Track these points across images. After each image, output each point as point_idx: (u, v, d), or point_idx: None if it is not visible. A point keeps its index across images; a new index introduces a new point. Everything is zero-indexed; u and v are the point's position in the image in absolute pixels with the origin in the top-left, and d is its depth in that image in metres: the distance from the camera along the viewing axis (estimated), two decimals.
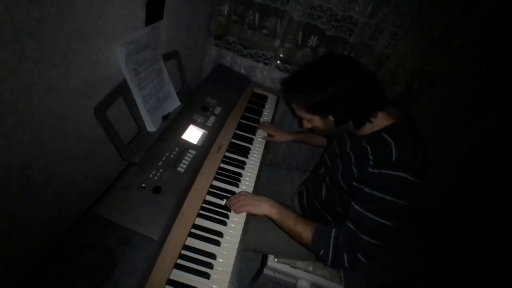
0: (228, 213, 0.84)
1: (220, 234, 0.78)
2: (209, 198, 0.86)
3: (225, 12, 1.34)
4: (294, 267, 1.01)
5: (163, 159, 0.83)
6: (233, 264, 0.74)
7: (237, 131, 1.12)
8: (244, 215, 0.85)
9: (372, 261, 0.71)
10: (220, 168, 0.96)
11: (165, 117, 0.95)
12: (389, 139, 0.70)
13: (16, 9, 0.45)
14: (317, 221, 0.80)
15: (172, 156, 0.86)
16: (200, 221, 0.79)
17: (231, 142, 1.06)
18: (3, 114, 0.50)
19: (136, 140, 0.85)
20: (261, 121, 1.25)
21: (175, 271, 0.67)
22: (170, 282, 0.65)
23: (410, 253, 1.84)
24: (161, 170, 0.80)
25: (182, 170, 0.84)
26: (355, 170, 0.76)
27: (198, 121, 1.02)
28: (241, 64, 1.51)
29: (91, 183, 0.86)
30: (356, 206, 0.71)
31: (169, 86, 0.98)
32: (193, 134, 0.96)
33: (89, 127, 0.74)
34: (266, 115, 1.30)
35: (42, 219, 0.73)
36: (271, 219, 0.82)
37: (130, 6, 0.74)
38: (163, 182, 0.78)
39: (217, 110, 1.11)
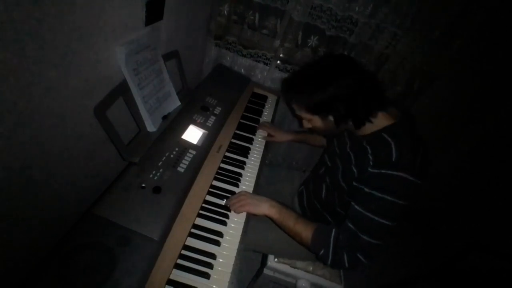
0: (228, 213, 0.84)
1: (220, 234, 0.78)
2: (209, 198, 0.86)
3: (225, 12, 1.34)
4: (294, 267, 1.01)
5: (163, 159, 0.83)
6: (233, 264, 0.74)
7: (237, 131, 1.12)
8: (244, 215, 0.85)
9: (372, 261, 0.71)
10: (220, 168, 0.96)
11: (165, 117, 0.95)
12: (389, 139, 0.70)
13: (16, 9, 0.45)
14: (317, 221, 0.80)
15: (172, 156, 0.86)
16: (200, 221, 0.79)
17: (231, 142, 1.06)
18: (3, 114, 0.50)
19: (136, 140, 0.85)
20: (261, 121, 1.25)
21: (175, 271, 0.67)
22: (170, 282, 0.65)
23: (410, 253, 1.85)
24: (161, 170, 0.80)
25: (182, 170, 0.84)
26: (355, 170, 0.76)
27: (198, 121, 1.02)
28: (241, 64, 1.51)
29: (91, 183, 0.86)
30: (356, 206, 0.71)
31: (169, 86, 0.98)
32: (193, 134, 0.96)
33: (89, 127, 0.74)
34: (266, 115, 1.30)
35: (42, 219, 0.73)
36: (271, 219, 0.82)
37: (130, 6, 0.74)
38: (163, 182, 0.78)
39: (217, 110, 1.11)
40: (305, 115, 0.78)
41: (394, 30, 1.29)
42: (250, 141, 1.12)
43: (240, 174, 0.97)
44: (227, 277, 0.70)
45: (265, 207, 0.81)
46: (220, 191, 0.90)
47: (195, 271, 0.69)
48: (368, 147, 0.73)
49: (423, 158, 0.68)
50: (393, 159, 0.66)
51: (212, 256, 0.73)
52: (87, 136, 0.76)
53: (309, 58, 1.43)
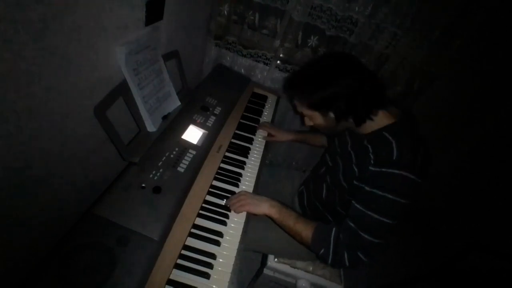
0: (228, 213, 0.84)
1: (220, 234, 0.78)
2: (209, 198, 0.86)
3: (225, 12, 1.34)
4: (294, 267, 1.01)
5: (163, 159, 0.83)
6: (233, 264, 0.74)
7: (237, 131, 1.12)
8: (244, 215, 0.85)
9: (373, 260, 0.71)
10: (220, 168, 0.96)
11: (165, 117, 0.95)
12: (390, 137, 0.70)
13: (16, 9, 0.45)
14: (317, 221, 0.80)
15: (172, 156, 0.86)
16: (200, 221, 0.79)
17: (231, 142, 1.06)
18: (3, 114, 0.50)
19: (136, 140, 0.85)
20: (261, 121, 1.25)
21: (175, 271, 0.67)
22: (170, 282, 0.65)
23: (410, 253, 1.84)
24: (161, 170, 0.80)
25: (182, 170, 0.84)
26: (356, 169, 0.77)
27: (198, 121, 1.02)
28: (241, 64, 1.51)
29: (91, 183, 0.86)
30: (356, 205, 0.71)
31: (169, 86, 0.98)
32: (193, 134, 0.96)
33: (89, 127, 0.74)
34: (266, 115, 1.30)
35: (42, 219, 0.73)
36: (271, 218, 0.82)
37: (130, 6, 0.74)
38: (163, 182, 0.78)
39: (217, 110, 1.11)
40: (306, 111, 0.79)
41: (394, 30, 1.29)
42: (250, 141, 1.12)
43: (240, 174, 0.97)
44: (227, 277, 0.70)
45: (265, 207, 0.81)
46: (220, 191, 0.90)
47: (195, 271, 0.69)
48: (369, 146, 0.73)
49: (424, 157, 0.68)
50: (394, 158, 0.66)
51: (212, 256, 0.73)
52: (87, 136, 0.76)
53: (309, 58, 1.43)
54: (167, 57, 0.97)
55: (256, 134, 1.17)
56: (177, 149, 0.88)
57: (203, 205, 0.83)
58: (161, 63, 0.93)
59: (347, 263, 0.71)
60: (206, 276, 0.69)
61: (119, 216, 0.67)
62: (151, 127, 0.89)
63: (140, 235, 0.65)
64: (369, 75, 0.72)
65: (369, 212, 0.68)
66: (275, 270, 1.03)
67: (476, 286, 1.60)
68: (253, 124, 1.20)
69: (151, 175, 0.78)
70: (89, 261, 0.59)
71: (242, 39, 1.43)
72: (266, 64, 1.50)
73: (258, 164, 1.05)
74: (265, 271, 1.04)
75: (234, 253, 0.76)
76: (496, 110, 1.55)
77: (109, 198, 0.70)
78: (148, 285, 0.61)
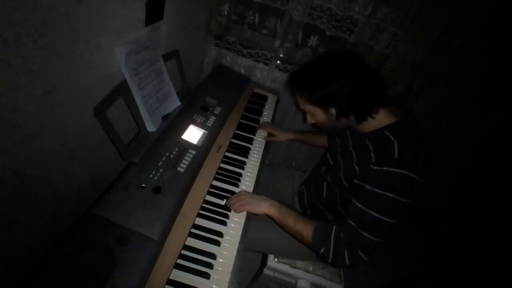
0: (228, 213, 0.84)
1: (220, 234, 0.78)
2: (209, 198, 0.86)
3: (225, 12, 1.34)
4: (294, 267, 1.01)
5: (163, 159, 0.83)
6: (233, 264, 0.74)
7: (237, 131, 1.12)
8: (244, 215, 0.85)
9: (373, 258, 0.71)
10: (220, 168, 0.96)
11: (165, 117, 0.95)
12: (391, 137, 0.70)
13: (17, 9, 0.45)
14: (317, 220, 0.80)
15: (172, 156, 0.86)
16: (200, 221, 0.79)
17: (231, 142, 1.06)
18: (3, 114, 0.50)
19: (136, 140, 0.85)
20: (261, 121, 1.25)
21: (175, 271, 0.67)
22: (170, 282, 0.65)
23: (410, 253, 1.84)
24: (161, 170, 0.80)
25: (182, 170, 0.84)
26: (356, 168, 0.77)
27: (198, 121, 1.02)
28: (241, 64, 1.51)
29: (91, 183, 0.86)
30: (357, 203, 0.71)
31: (169, 86, 0.98)
32: (193, 134, 0.96)
33: (89, 127, 0.74)
34: (266, 115, 1.30)
35: (42, 219, 0.73)
36: (271, 218, 0.82)
37: (130, 6, 0.74)
38: (163, 182, 0.78)
39: (217, 110, 1.11)
40: (308, 107, 0.79)
41: (394, 30, 1.29)
42: (250, 141, 1.12)
43: (240, 174, 0.97)
44: (227, 277, 0.70)
45: (265, 206, 0.81)
46: (220, 191, 0.90)
47: (195, 271, 0.69)
48: (370, 145, 0.73)
49: (425, 156, 0.68)
50: (395, 157, 0.66)
51: (212, 256, 0.73)
52: (87, 136, 0.76)
53: (309, 58, 1.44)
54: (167, 57, 0.97)
55: (256, 134, 1.17)
56: (177, 149, 0.88)
57: (203, 205, 0.83)
58: (161, 63, 0.93)
59: (347, 262, 0.71)
60: (206, 276, 0.69)
61: (119, 216, 0.67)
62: (151, 127, 0.89)
63: (140, 235, 0.65)
64: (371, 73, 0.72)
65: (370, 211, 0.68)
66: (275, 270, 1.03)
67: (476, 286, 1.60)
68: (253, 124, 1.20)
69: (151, 175, 0.78)
70: (89, 261, 0.59)
71: (242, 39, 1.43)
72: (266, 64, 1.50)
73: (258, 164, 1.05)
74: (265, 271, 1.04)
75: (234, 253, 0.76)
76: (496, 110, 1.55)
77: (109, 198, 0.70)
78: (148, 285, 0.60)
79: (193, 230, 0.76)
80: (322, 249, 0.74)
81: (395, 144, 0.68)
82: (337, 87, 0.70)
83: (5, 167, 0.55)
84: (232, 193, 0.89)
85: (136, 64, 0.81)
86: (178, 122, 0.97)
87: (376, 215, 0.68)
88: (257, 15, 1.37)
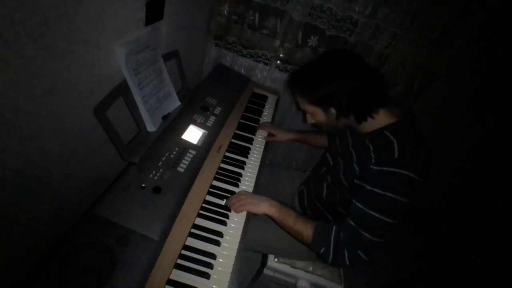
0: (228, 213, 0.84)
1: (220, 234, 0.78)
2: (209, 198, 0.86)
3: (225, 12, 1.34)
4: (294, 267, 1.01)
5: (163, 159, 0.83)
6: (233, 264, 0.74)
7: (237, 131, 1.12)
8: (244, 215, 0.85)
9: (373, 258, 0.71)
10: (220, 168, 0.96)
11: (165, 117, 0.95)
12: (391, 137, 0.70)
13: (17, 9, 0.45)
14: (317, 220, 0.80)
15: (172, 156, 0.86)
16: (200, 221, 0.79)
17: (231, 142, 1.06)
18: (3, 114, 0.50)
19: (136, 140, 0.85)
20: (261, 121, 1.25)
21: (175, 271, 0.67)
22: (170, 282, 0.65)
23: (410, 253, 1.84)
24: (161, 170, 0.80)
25: (182, 170, 0.84)
26: (356, 168, 0.77)
27: (198, 121, 1.02)
28: (241, 64, 1.51)
29: (91, 183, 0.86)
30: (357, 203, 0.71)
31: (169, 86, 0.98)
32: (193, 134, 0.96)
33: (89, 127, 0.74)
34: (266, 115, 1.30)
35: (42, 219, 0.73)
36: (271, 218, 0.82)
37: (130, 6, 0.74)
38: (163, 182, 0.78)
39: (217, 110, 1.11)
40: (308, 107, 0.79)
41: (394, 30, 1.29)
42: (250, 141, 1.12)
43: (240, 174, 0.97)
44: (227, 277, 0.70)
45: (265, 206, 0.81)
46: (220, 191, 0.90)
47: (195, 271, 0.69)
48: (370, 145, 0.73)
49: (425, 157, 0.68)
50: (396, 157, 0.66)
51: (212, 256, 0.73)
52: (87, 136, 0.76)
53: (310, 58, 1.44)
54: (167, 57, 0.97)
55: (256, 134, 1.17)
56: (177, 149, 0.88)
57: (203, 205, 0.83)
58: (161, 63, 0.93)
59: (347, 262, 0.71)
60: (206, 276, 0.69)
61: (119, 216, 0.67)
62: (151, 127, 0.89)
63: (140, 235, 0.65)
64: (371, 73, 0.72)
65: (370, 211, 0.68)
66: (275, 270, 1.03)
67: (476, 286, 1.60)
68: (253, 124, 1.20)
69: (151, 175, 0.78)
70: (89, 261, 0.59)
71: (242, 39, 1.43)
72: (266, 64, 1.50)
73: (258, 164, 1.05)
74: (265, 271, 1.04)
75: (234, 253, 0.76)
76: (496, 110, 1.55)
77: (109, 198, 0.70)
78: (148, 285, 0.60)
79: (193, 230, 0.76)
80: (322, 249, 0.74)
81: (395, 144, 0.68)
82: (337, 87, 0.70)
83: (5, 167, 0.55)
84: (232, 193, 0.89)
85: (136, 64, 0.81)
86: (178, 122, 0.97)
87: (376, 215, 0.68)
88: (257, 15, 1.37)
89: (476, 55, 1.33)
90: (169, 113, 0.98)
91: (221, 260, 0.73)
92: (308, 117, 0.84)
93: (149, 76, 0.87)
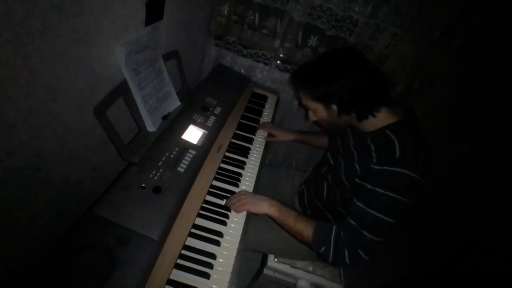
0: (228, 213, 0.84)
1: (220, 234, 0.78)
2: (209, 198, 0.86)
3: (225, 12, 1.34)
4: (294, 267, 1.01)
5: (163, 159, 0.83)
6: (233, 264, 0.74)
7: (237, 131, 1.12)
8: (244, 215, 0.85)
9: (373, 258, 0.71)
10: (220, 168, 0.96)
11: (165, 117, 0.95)
12: (392, 136, 0.70)
13: (17, 9, 0.45)
14: (317, 220, 0.80)
15: (172, 156, 0.86)
16: (200, 221, 0.79)
17: (231, 142, 1.06)
18: (3, 113, 0.50)
19: (136, 140, 0.85)
20: (261, 121, 1.25)
21: (175, 271, 0.67)
22: (170, 282, 0.65)
23: (410, 253, 1.84)
24: (161, 170, 0.80)
25: (182, 170, 0.84)
26: (357, 167, 0.77)
27: (198, 121, 1.02)
28: (241, 64, 1.51)
29: (91, 183, 0.86)
30: (358, 203, 0.71)
31: (169, 86, 0.98)
32: (193, 134, 0.96)
33: (89, 127, 0.74)
34: (266, 115, 1.30)
35: (42, 219, 0.73)
36: (271, 218, 0.82)
37: (130, 6, 0.74)
38: (163, 182, 0.78)
39: (217, 110, 1.11)
40: (310, 103, 0.79)
41: (394, 30, 1.29)
42: (250, 141, 1.12)
43: (240, 174, 0.97)
44: (227, 277, 0.70)
45: (265, 206, 0.81)
46: (220, 191, 0.90)
47: (195, 271, 0.69)
48: (371, 144, 0.73)
49: (426, 156, 0.68)
50: (397, 156, 0.66)
51: (212, 256, 0.73)
52: (87, 136, 0.76)
53: (309, 58, 1.43)
54: (167, 57, 0.97)
55: (256, 134, 1.17)
56: (177, 149, 0.88)
57: (203, 205, 0.83)
58: (161, 63, 0.93)
59: (347, 261, 0.71)
60: (206, 276, 0.69)
61: (119, 216, 0.67)
62: (151, 127, 0.89)
63: (140, 235, 0.65)
64: (374, 71, 0.73)
65: (370, 210, 0.68)
66: (275, 270, 1.03)
67: (476, 286, 1.60)
68: (253, 124, 1.20)
69: (151, 175, 0.78)
70: (89, 261, 0.59)
71: (242, 39, 1.43)
72: (266, 64, 1.50)
73: (258, 164, 1.05)
74: (265, 271, 1.04)
75: (234, 253, 0.76)
76: (496, 110, 1.55)
77: (109, 198, 0.70)
78: (148, 285, 0.60)
79: (193, 230, 0.76)
80: (322, 249, 0.74)
81: (396, 143, 0.68)
82: (339, 84, 0.71)
83: (5, 167, 0.55)
84: (232, 193, 0.89)
85: (136, 64, 0.81)
86: (178, 122, 0.97)
87: (377, 214, 0.68)
88: (257, 15, 1.37)
89: (476, 55, 1.33)
90: (169, 113, 0.98)
91: (221, 260, 0.73)
92: (310, 113, 0.85)
93: (149, 76, 0.87)
